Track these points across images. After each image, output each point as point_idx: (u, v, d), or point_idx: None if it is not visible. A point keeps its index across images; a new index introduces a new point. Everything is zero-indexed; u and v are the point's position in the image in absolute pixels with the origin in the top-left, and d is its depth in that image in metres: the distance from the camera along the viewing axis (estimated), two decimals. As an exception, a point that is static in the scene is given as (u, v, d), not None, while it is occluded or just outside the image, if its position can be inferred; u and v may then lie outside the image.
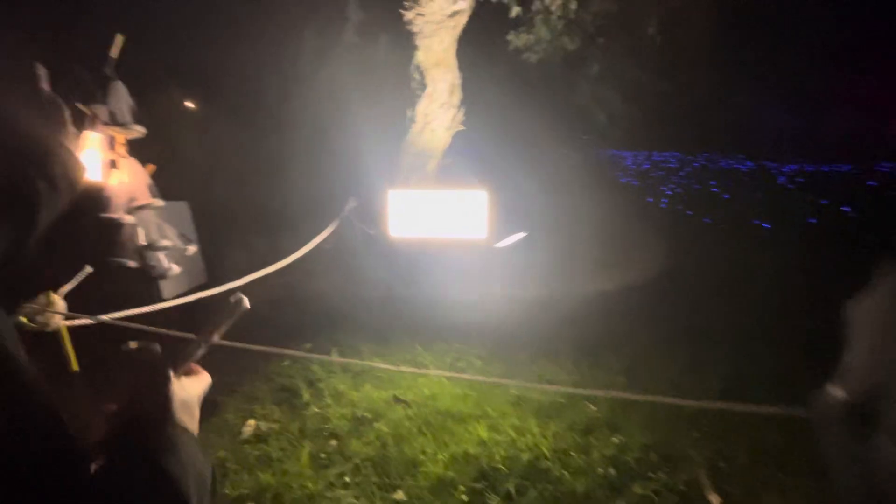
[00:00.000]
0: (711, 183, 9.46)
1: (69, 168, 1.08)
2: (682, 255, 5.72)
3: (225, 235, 6.06)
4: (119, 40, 2.56)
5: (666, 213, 8.20)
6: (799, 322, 3.97)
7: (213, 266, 5.55)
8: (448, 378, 3.30)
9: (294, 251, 4.19)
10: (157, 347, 0.53)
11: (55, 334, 1.56)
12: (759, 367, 3.37)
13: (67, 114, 1.12)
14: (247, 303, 0.64)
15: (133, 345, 0.52)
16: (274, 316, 4.73)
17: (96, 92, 2.62)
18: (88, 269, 1.80)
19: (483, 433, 2.70)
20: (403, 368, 3.46)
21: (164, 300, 4.12)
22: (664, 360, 3.51)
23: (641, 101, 6.74)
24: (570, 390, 3.10)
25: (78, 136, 1.13)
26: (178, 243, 3.05)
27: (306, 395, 3.23)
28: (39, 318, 1.46)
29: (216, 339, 0.60)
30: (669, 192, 9.10)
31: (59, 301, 1.55)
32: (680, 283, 4.95)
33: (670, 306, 4.44)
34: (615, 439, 2.71)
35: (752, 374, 3.29)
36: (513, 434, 2.70)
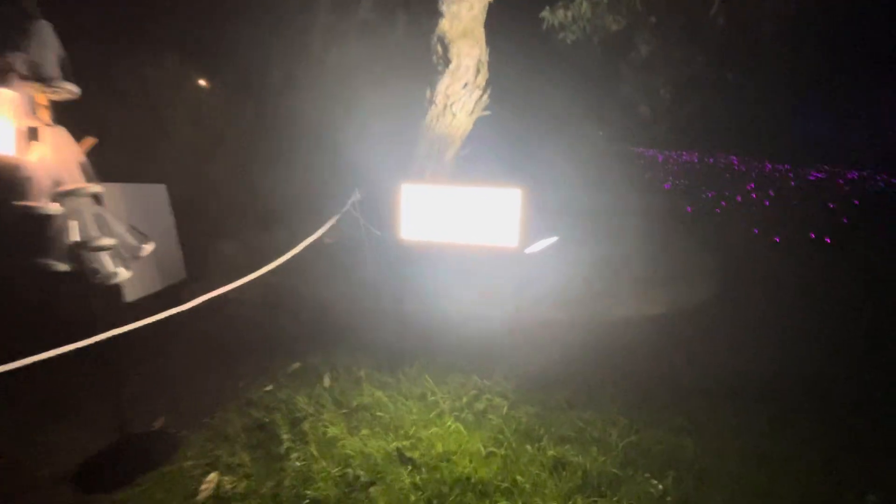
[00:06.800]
0: (770, 193, 8.39)
1: None
2: (740, 275, 4.92)
3: (215, 227, 5.42)
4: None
5: (720, 225, 7.29)
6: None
7: (199, 261, 4.91)
8: (466, 427, 2.60)
9: (292, 248, 3.52)
10: None
11: None
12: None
13: None
14: None
15: None
16: (265, 322, 4.10)
17: (13, 34, 1.93)
18: None
19: (515, 520, 2.00)
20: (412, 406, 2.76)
21: (126, 302, 3.46)
22: (741, 415, 2.77)
23: (694, 93, 5.91)
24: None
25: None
26: (130, 240, 2.39)
27: (287, 440, 2.55)
28: None
29: None
30: (724, 202, 8.02)
31: None
32: (746, 309, 4.18)
33: (742, 337, 3.68)
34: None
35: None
36: (555, 523, 1.99)
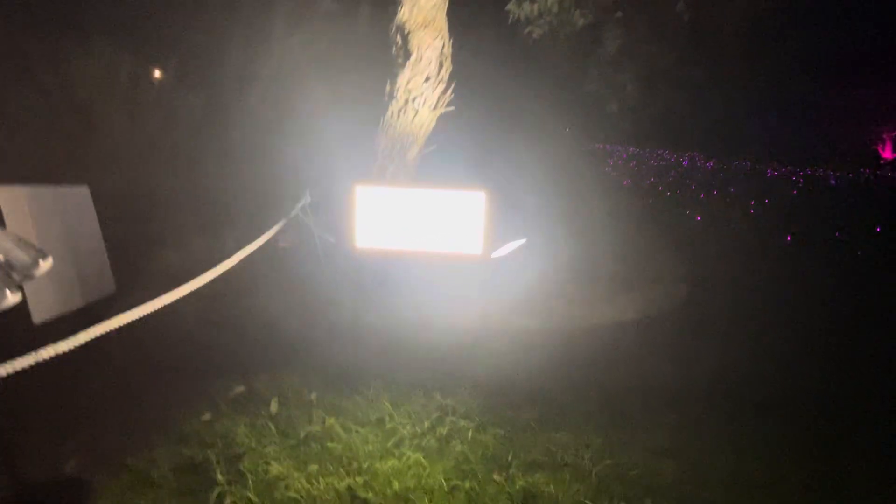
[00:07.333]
0: (730, 190, 8.51)
1: None
2: (709, 276, 4.88)
3: (153, 232, 4.92)
4: None
5: (689, 224, 7.31)
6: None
7: (135, 270, 4.45)
8: (427, 456, 2.35)
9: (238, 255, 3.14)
10: None
11: None
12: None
13: None
14: None
15: None
16: (206, 339, 3.69)
17: None
18: None
19: (481, 572, 1.77)
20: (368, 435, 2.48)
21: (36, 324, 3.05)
22: (720, 430, 2.65)
23: (661, 91, 5.86)
24: None
25: None
26: (20, 257, 1.99)
27: (222, 481, 2.22)
28: None
29: None
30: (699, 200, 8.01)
31: None
32: (719, 311, 4.11)
33: (715, 343, 3.58)
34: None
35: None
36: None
